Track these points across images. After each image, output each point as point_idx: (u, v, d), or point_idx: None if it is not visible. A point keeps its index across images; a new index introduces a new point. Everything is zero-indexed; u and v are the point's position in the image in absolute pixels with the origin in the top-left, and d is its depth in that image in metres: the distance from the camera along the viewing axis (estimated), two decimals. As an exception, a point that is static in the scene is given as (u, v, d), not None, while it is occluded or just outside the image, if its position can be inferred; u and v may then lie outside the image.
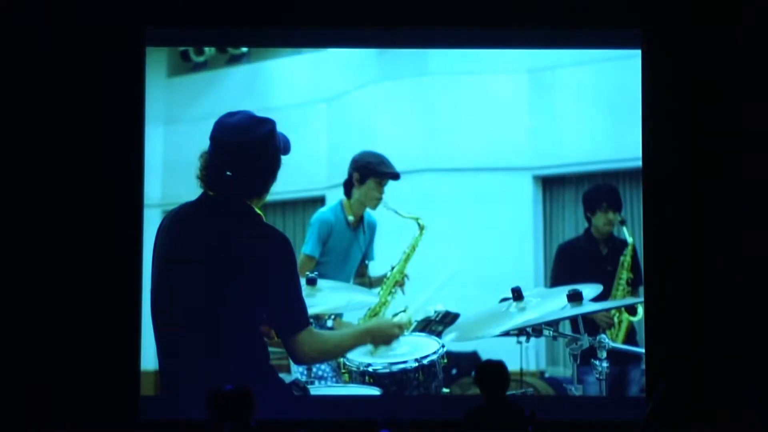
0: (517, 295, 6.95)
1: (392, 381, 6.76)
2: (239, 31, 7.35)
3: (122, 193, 7.15)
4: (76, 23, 7.16)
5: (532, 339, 7.00)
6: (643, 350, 7.13)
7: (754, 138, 7.13)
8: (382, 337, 6.77)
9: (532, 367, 7.39)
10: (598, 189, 7.44)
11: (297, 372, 6.99)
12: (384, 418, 5.46)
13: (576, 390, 6.91)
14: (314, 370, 6.96)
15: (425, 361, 6.79)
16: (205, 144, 6.47)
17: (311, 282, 7.07)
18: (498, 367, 5.61)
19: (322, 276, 7.18)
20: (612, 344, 6.93)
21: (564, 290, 6.93)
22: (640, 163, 7.20)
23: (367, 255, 7.51)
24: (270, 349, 6.59)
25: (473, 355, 7.26)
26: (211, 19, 7.24)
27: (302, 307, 6.47)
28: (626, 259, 7.36)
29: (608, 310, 7.27)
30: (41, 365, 7.02)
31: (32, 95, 7.16)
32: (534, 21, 7.22)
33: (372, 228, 7.51)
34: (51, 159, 7.14)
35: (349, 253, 7.45)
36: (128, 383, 7.03)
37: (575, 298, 6.85)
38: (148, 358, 6.94)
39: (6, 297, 7.07)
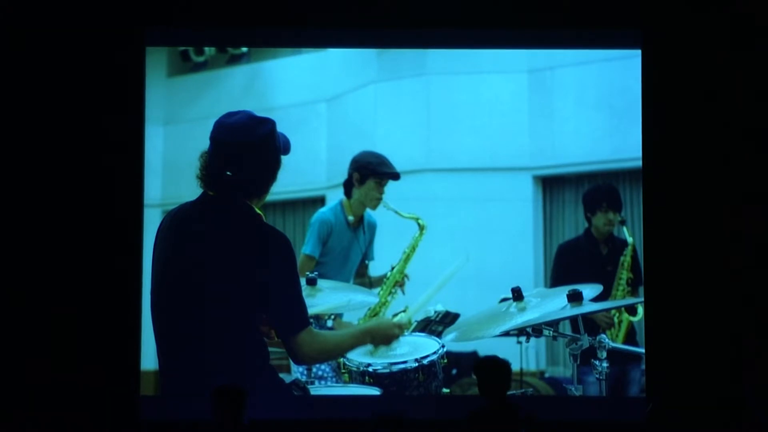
0: (517, 295, 6.93)
1: (392, 381, 6.74)
2: (239, 31, 7.33)
3: (122, 193, 7.13)
4: (76, 23, 7.14)
5: (532, 339, 6.97)
6: (643, 350, 7.11)
7: (754, 138, 7.12)
8: (382, 337, 6.75)
9: (532, 367, 7.40)
10: (598, 189, 7.44)
11: (297, 372, 6.98)
12: (379, 416, 5.43)
13: (576, 390, 6.88)
14: (314, 370, 6.95)
15: (425, 362, 6.76)
16: (205, 144, 6.46)
17: (311, 282, 7.04)
18: (504, 367, 5.56)
19: (322, 276, 7.16)
20: (612, 344, 6.90)
21: (564, 290, 6.91)
22: (640, 163, 7.18)
23: (367, 255, 7.51)
24: (270, 349, 6.57)
25: (473, 355, 7.25)
26: (211, 19, 7.22)
27: (302, 307, 6.45)
28: (626, 259, 7.36)
29: (608, 310, 7.27)
30: (41, 365, 7.00)
31: (32, 95, 7.15)
32: (534, 21, 7.20)
33: (372, 228, 7.51)
34: (51, 159, 7.13)
35: (349, 253, 7.44)
36: (128, 383, 7.01)
37: (575, 298, 6.82)
38: (148, 358, 6.93)
39: (6, 297, 7.06)
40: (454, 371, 7.16)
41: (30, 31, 7.16)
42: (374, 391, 6.75)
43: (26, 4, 7.16)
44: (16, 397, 6.95)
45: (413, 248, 7.38)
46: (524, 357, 7.10)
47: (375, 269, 7.55)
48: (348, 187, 7.42)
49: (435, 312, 7.12)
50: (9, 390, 6.96)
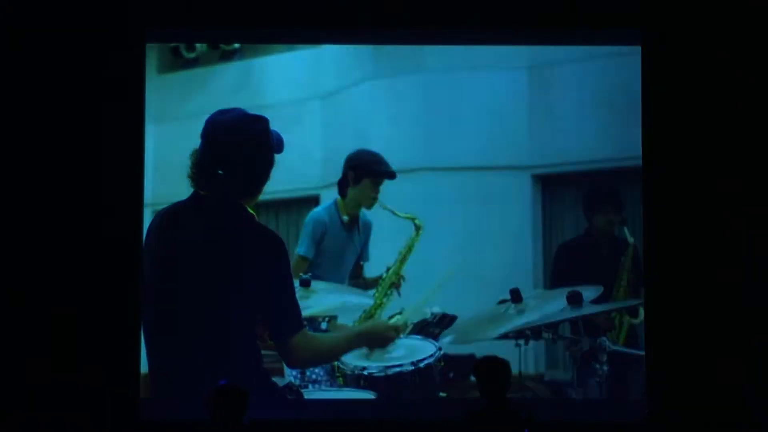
0: (516, 296, 6.91)
1: (388, 384, 6.71)
2: (239, 30, 7.31)
3: (122, 193, 7.12)
4: (75, 23, 7.13)
5: (531, 342, 6.99)
6: (643, 352, 7.07)
7: (754, 137, 7.10)
8: (378, 339, 6.77)
9: (531, 371, 7.35)
10: (598, 189, 7.40)
11: (290, 375, 6.95)
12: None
13: (576, 393, 6.88)
14: (308, 373, 6.92)
15: (422, 365, 6.76)
16: (196, 142, 6.46)
17: (305, 283, 7.03)
18: (503, 368, 5.51)
19: (316, 277, 7.14)
20: (612, 346, 6.93)
21: (563, 292, 6.93)
22: (640, 163, 7.15)
23: (362, 256, 7.46)
24: (263, 351, 6.59)
25: (471, 358, 7.19)
26: (211, 18, 7.20)
27: (296, 309, 6.46)
28: (627, 260, 7.32)
29: (608, 311, 7.23)
30: (41, 365, 6.99)
31: (32, 95, 7.14)
32: (533, 20, 7.18)
33: (367, 228, 7.46)
34: (51, 159, 7.12)
35: (343, 253, 7.39)
36: (128, 383, 7.00)
37: (575, 299, 6.84)
38: (149, 358, 6.94)
39: (5, 297, 7.05)
40: (451, 374, 7.11)
41: (30, 31, 7.15)
42: (368, 395, 6.73)
43: (26, 4, 7.16)
44: (16, 397, 6.95)
45: (409, 249, 7.33)
46: (523, 360, 7.07)
47: (370, 270, 7.49)
48: (343, 186, 7.36)
49: (432, 314, 7.09)
50: (9, 390, 6.97)
